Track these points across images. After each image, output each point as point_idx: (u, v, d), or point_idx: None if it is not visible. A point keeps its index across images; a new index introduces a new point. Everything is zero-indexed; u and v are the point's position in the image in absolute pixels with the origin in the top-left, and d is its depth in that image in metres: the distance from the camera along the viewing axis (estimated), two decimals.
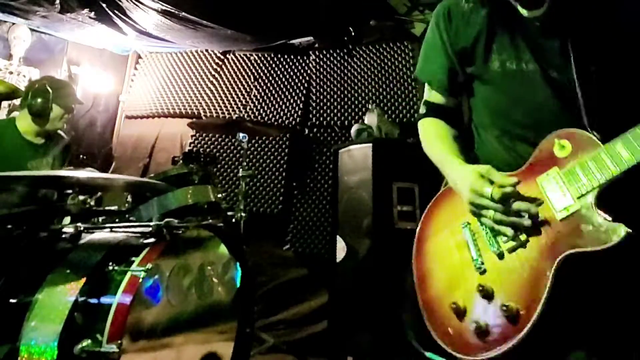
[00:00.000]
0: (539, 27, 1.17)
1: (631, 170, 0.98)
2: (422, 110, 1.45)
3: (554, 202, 1.07)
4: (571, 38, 1.14)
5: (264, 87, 4.56)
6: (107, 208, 2.48)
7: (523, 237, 1.09)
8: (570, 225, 1.03)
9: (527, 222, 1.07)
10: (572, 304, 1.05)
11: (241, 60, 4.72)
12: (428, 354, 1.24)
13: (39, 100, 2.66)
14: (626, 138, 0.99)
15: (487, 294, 1.10)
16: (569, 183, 1.06)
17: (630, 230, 0.94)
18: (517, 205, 1.09)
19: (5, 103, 3.70)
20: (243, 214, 2.94)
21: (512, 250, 1.11)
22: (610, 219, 0.98)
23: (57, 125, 2.77)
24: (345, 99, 4.23)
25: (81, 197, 1.95)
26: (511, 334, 1.02)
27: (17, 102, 3.75)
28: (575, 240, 1.01)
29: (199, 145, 4.57)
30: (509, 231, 1.09)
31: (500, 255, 1.12)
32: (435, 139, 1.36)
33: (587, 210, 1.02)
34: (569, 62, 1.13)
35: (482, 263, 1.15)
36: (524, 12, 1.16)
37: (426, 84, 1.44)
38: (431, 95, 1.43)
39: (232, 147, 4.48)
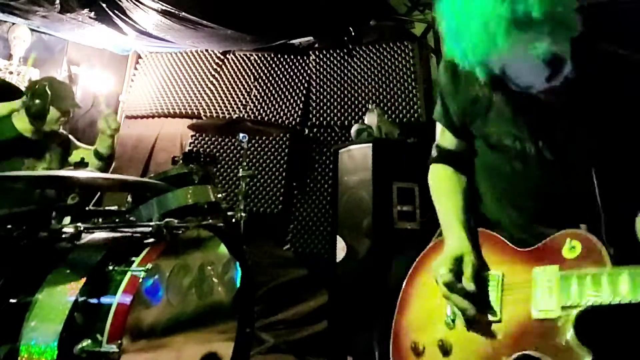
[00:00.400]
0: (547, 103, 1.09)
1: (623, 305, 0.93)
2: (434, 153, 1.46)
3: (537, 299, 1.06)
4: (585, 124, 1.07)
5: (264, 87, 4.56)
6: (107, 208, 2.48)
7: (493, 318, 1.11)
8: (541, 329, 1.02)
9: (468, 313, 1.10)
10: None
11: (241, 60, 4.71)
12: None
13: (37, 101, 2.66)
14: (633, 271, 0.93)
15: (445, 350, 1.15)
16: (559, 288, 1.03)
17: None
18: (453, 298, 1.12)
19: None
20: (243, 214, 2.94)
21: (483, 324, 1.12)
22: (578, 343, 0.96)
23: (53, 127, 2.77)
24: (345, 99, 4.23)
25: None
26: None
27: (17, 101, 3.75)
28: (540, 344, 1.00)
29: (199, 145, 4.57)
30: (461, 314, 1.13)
31: (469, 322, 1.14)
32: (442, 192, 1.38)
33: (563, 324, 0.99)
34: (578, 148, 1.10)
35: (453, 321, 1.18)
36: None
37: (439, 125, 1.44)
38: (443, 137, 1.43)
39: (232, 147, 4.48)
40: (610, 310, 0.95)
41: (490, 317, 1.12)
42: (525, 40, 0.92)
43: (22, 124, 2.71)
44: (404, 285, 1.37)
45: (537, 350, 1.00)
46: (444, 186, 1.39)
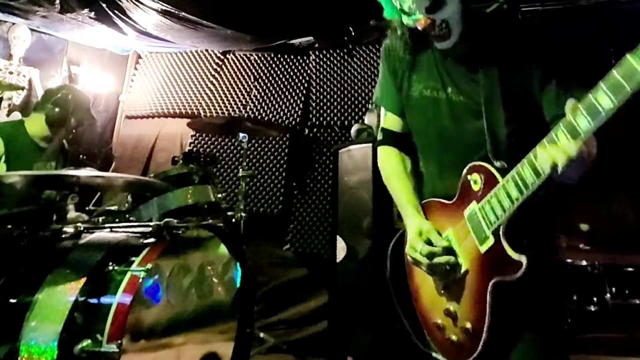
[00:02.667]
0: (450, 58, 1.34)
1: (528, 203, 1.10)
2: (380, 136, 1.57)
3: (477, 236, 1.22)
4: (479, 66, 1.28)
5: (264, 87, 4.56)
6: (107, 208, 2.48)
7: (462, 269, 1.25)
8: (491, 257, 1.19)
9: (452, 262, 1.25)
10: (511, 313, 1.20)
11: (241, 60, 4.71)
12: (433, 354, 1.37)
13: (58, 110, 2.68)
14: (512, 176, 1.12)
15: (452, 316, 1.28)
16: (483, 218, 1.20)
17: (530, 259, 1.09)
18: (437, 259, 1.26)
19: (5, 103, 3.70)
20: (243, 214, 2.94)
21: (455, 281, 1.27)
22: (514, 254, 1.12)
23: (67, 135, 2.80)
24: (345, 99, 4.23)
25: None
26: (474, 347, 1.20)
27: (17, 102, 3.76)
28: (497, 271, 1.16)
29: (199, 145, 4.56)
30: (440, 282, 1.30)
31: (453, 285, 1.29)
32: (392, 175, 1.50)
33: (499, 243, 1.16)
34: (476, 88, 1.28)
35: (444, 291, 1.32)
36: (435, 44, 1.31)
37: (382, 110, 1.58)
38: (386, 120, 1.56)
39: (232, 147, 4.48)
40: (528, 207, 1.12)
41: (460, 270, 1.26)
42: None
43: (35, 129, 2.72)
44: (408, 275, 1.47)
45: (497, 277, 1.16)
46: (393, 169, 1.50)
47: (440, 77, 1.36)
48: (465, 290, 1.25)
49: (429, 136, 1.41)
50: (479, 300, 1.20)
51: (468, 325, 1.22)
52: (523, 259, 1.10)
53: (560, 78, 1.22)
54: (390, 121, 1.54)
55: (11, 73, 3.92)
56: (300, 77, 4.47)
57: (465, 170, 1.27)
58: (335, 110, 4.23)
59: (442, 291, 1.32)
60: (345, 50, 4.31)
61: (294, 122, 4.35)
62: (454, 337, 1.27)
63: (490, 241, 1.18)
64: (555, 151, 1.00)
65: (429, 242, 1.29)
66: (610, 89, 0.92)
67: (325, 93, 4.32)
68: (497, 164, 1.21)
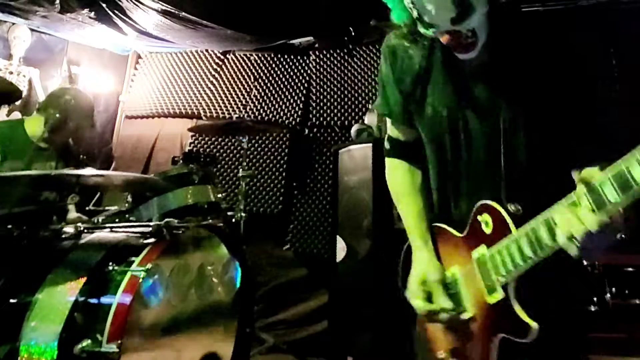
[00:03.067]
0: (470, 71, 1.17)
1: (544, 263, 0.99)
2: (387, 145, 1.46)
3: (485, 284, 1.12)
4: (501, 86, 1.13)
5: (264, 87, 4.55)
6: (107, 208, 2.48)
7: (467, 315, 1.16)
8: (499, 312, 1.08)
9: (451, 318, 1.17)
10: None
11: (241, 60, 4.71)
12: None
13: (59, 116, 2.67)
14: (527, 233, 1.00)
15: (459, 355, 1.20)
16: (493, 269, 1.09)
17: (540, 326, 0.98)
18: (436, 317, 1.18)
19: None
20: (243, 214, 2.94)
21: (461, 324, 1.18)
22: (524, 316, 1.01)
23: (64, 138, 2.79)
24: (345, 99, 4.23)
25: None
26: None
27: (17, 102, 3.76)
28: (504, 327, 1.06)
29: (198, 145, 4.56)
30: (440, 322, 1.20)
31: (457, 326, 1.19)
32: (401, 194, 1.39)
33: (507, 300, 1.05)
34: (496, 111, 1.14)
35: (449, 333, 1.23)
36: (458, 55, 1.15)
37: (387, 118, 1.46)
38: (392, 128, 1.44)
39: (232, 147, 4.48)
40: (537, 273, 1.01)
41: (464, 316, 1.17)
42: None
43: (33, 130, 2.71)
44: None
45: (505, 334, 1.06)
46: (402, 187, 1.39)
47: (457, 95, 1.20)
48: (471, 337, 1.16)
49: (443, 158, 1.27)
50: (484, 352, 1.11)
51: None
52: (535, 325, 1.00)
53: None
54: (395, 130, 1.42)
55: (11, 73, 3.92)
56: (300, 77, 4.47)
57: (475, 208, 1.15)
58: (335, 110, 4.23)
59: (448, 330, 1.23)
60: (345, 50, 4.31)
61: (294, 122, 4.35)
62: None
63: (499, 295, 1.07)
64: (574, 223, 0.87)
65: (429, 297, 1.20)
66: None
67: (325, 93, 4.32)
68: (512, 207, 1.08)
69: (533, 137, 1.12)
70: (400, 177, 1.40)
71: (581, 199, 0.88)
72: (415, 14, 1.07)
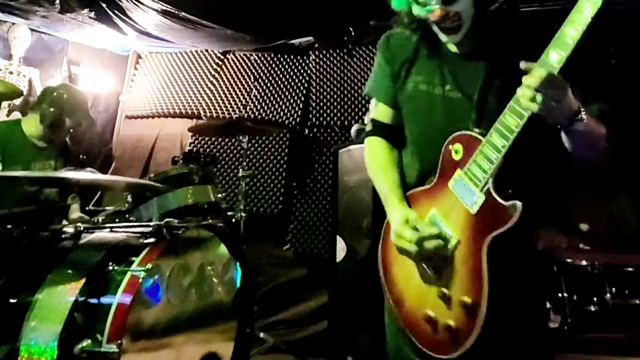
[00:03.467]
0: (456, 54, 1.33)
1: (511, 154, 1.12)
2: (369, 127, 1.54)
3: (466, 201, 1.21)
4: (484, 64, 1.28)
5: (264, 87, 4.56)
6: (107, 208, 2.48)
7: (453, 241, 1.22)
8: (483, 215, 1.17)
9: (441, 245, 1.22)
10: (510, 279, 1.20)
11: (241, 60, 4.71)
12: None
13: (52, 110, 2.65)
14: (496, 127, 1.14)
15: (446, 297, 1.22)
16: (470, 180, 1.20)
17: (521, 204, 1.09)
18: (427, 244, 1.22)
19: (5, 103, 3.70)
20: (243, 214, 2.94)
21: (446, 261, 1.23)
22: (506, 203, 1.12)
23: (63, 136, 2.78)
24: (345, 99, 4.23)
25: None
26: (473, 324, 1.15)
27: (17, 102, 3.76)
28: (490, 226, 1.14)
29: (198, 145, 4.56)
30: (430, 266, 1.26)
31: (446, 264, 1.24)
32: (379, 168, 1.47)
33: (490, 199, 1.15)
34: (477, 84, 1.28)
35: (435, 274, 1.26)
36: (442, 37, 1.30)
37: (373, 101, 1.55)
38: (377, 111, 1.53)
39: (232, 147, 4.48)
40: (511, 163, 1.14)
41: (450, 244, 1.23)
42: None
43: (31, 129, 2.71)
44: (384, 285, 1.46)
45: (492, 232, 1.14)
46: (380, 162, 1.47)
47: (440, 73, 1.35)
48: (458, 264, 1.21)
49: (419, 130, 1.41)
50: (475, 268, 1.16)
51: (466, 299, 1.17)
52: (517, 204, 1.09)
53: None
54: (381, 112, 1.51)
55: (11, 73, 3.93)
56: (300, 77, 4.47)
57: (445, 144, 1.27)
58: (335, 110, 4.23)
59: (432, 276, 1.27)
60: (345, 50, 4.31)
61: (294, 122, 4.35)
62: (450, 322, 1.20)
63: (481, 199, 1.17)
64: (529, 80, 1.04)
65: (416, 230, 1.26)
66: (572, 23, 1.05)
67: (325, 93, 4.32)
68: (477, 130, 1.22)
69: (503, 98, 1.23)
70: (379, 152, 1.49)
71: (533, 70, 1.06)
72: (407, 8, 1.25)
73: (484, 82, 1.28)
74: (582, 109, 1.13)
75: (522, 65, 1.07)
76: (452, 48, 1.33)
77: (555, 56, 1.05)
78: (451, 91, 1.33)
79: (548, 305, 3.12)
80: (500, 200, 1.13)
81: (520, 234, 1.14)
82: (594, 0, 1.02)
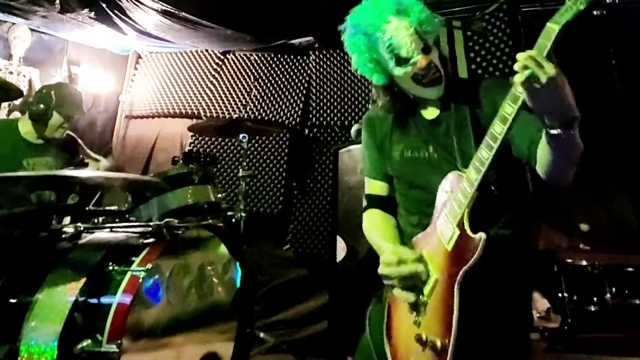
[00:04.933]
0: (431, 120, 1.45)
1: (486, 188, 1.18)
2: (365, 203, 1.62)
3: (445, 238, 1.24)
4: (458, 123, 1.38)
5: (264, 87, 4.56)
6: (107, 208, 2.48)
7: (431, 280, 1.24)
8: (457, 251, 1.19)
9: (417, 279, 1.26)
10: (479, 312, 1.18)
11: (241, 60, 4.71)
12: None
13: (41, 106, 2.66)
14: (472, 162, 1.18)
15: (422, 341, 1.23)
16: (450, 216, 1.23)
17: (486, 235, 1.11)
18: (405, 267, 1.27)
19: (5, 103, 3.70)
20: (243, 214, 2.94)
21: (430, 293, 1.25)
22: (472, 234, 1.14)
23: (55, 132, 2.77)
24: (345, 99, 4.23)
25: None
26: None
27: (17, 102, 3.76)
28: (462, 261, 1.15)
29: (198, 145, 4.56)
30: (412, 295, 1.28)
31: (425, 304, 1.26)
32: (373, 228, 1.54)
33: (462, 232, 1.18)
34: (451, 139, 1.37)
35: (417, 316, 1.28)
36: (426, 94, 1.41)
37: (366, 179, 1.63)
38: (370, 187, 1.61)
39: (232, 147, 4.48)
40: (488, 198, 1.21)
41: (429, 284, 1.25)
42: (405, 17, 1.35)
43: (26, 128, 2.71)
44: (386, 325, 1.45)
45: (462, 267, 1.15)
46: (375, 223, 1.55)
47: (421, 138, 1.45)
48: (434, 304, 1.22)
49: (412, 191, 1.48)
50: (447, 307, 1.16)
51: (437, 342, 1.17)
52: (482, 235, 1.11)
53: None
54: (374, 187, 1.59)
55: (11, 73, 3.93)
56: (300, 77, 4.47)
57: (439, 189, 1.32)
58: (335, 110, 4.23)
59: (414, 322, 1.28)
60: (345, 50, 4.30)
61: (294, 122, 4.35)
62: None
63: (456, 234, 1.19)
64: (520, 56, 1.07)
65: (401, 261, 1.30)
66: (537, 50, 1.07)
67: (325, 93, 4.32)
68: (466, 170, 1.25)
69: (477, 135, 1.33)
70: (376, 219, 1.56)
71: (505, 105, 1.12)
72: (393, 58, 1.37)
73: (459, 116, 1.38)
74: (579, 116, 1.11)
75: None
76: (428, 116, 1.46)
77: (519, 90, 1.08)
78: (435, 152, 1.42)
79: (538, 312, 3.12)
80: (469, 233, 1.16)
81: (493, 265, 1.15)
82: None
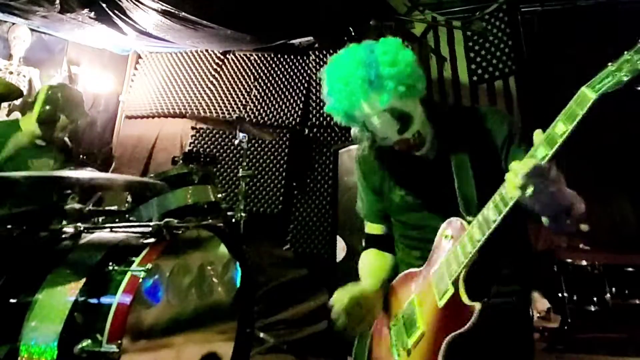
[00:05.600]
0: (426, 163, 1.39)
1: (488, 249, 1.10)
2: (364, 243, 1.62)
3: (437, 291, 1.19)
4: (454, 160, 1.33)
5: (264, 87, 4.56)
6: (107, 208, 2.48)
7: (417, 333, 1.21)
8: (447, 310, 1.14)
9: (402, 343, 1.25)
10: None
11: (241, 60, 4.71)
12: None
13: (48, 108, 2.67)
14: (477, 219, 1.12)
15: None
16: (447, 269, 1.18)
17: (482, 304, 1.07)
18: (339, 321, 1.27)
19: (5, 103, 3.70)
20: (243, 214, 2.94)
21: (414, 344, 1.22)
22: (467, 300, 1.09)
23: (59, 134, 2.79)
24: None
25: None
26: None
27: (17, 102, 3.76)
28: (451, 325, 1.10)
29: (199, 145, 4.56)
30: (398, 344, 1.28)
31: (408, 352, 1.24)
32: (364, 266, 1.54)
33: (456, 293, 1.12)
34: (451, 181, 1.30)
35: (398, 356, 1.28)
36: (414, 153, 1.35)
37: (364, 220, 1.62)
38: (368, 227, 1.61)
39: (232, 147, 4.48)
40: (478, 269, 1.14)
41: (414, 336, 1.22)
42: (376, 97, 1.22)
43: (29, 128, 2.72)
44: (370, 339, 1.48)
45: (451, 332, 1.10)
46: (368, 261, 1.55)
47: (418, 180, 1.40)
48: (419, 354, 1.19)
49: (413, 230, 1.45)
50: None
51: None
52: (477, 305, 1.06)
53: (522, 137, 1.26)
54: (373, 228, 1.59)
55: (11, 73, 3.92)
56: (300, 77, 4.47)
57: (440, 230, 1.28)
58: None
59: (398, 357, 1.27)
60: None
61: (294, 122, 4.35)
62: None
63: (450, 292, 1.14)
64: (517, 169, 0.99)
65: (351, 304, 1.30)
66: (565, 118, 0.97)
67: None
68: (469, 218, 1.20)
69: (479, 176, 1.29)
70: (371, 255, 1.56)
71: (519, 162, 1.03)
72: (370, 134, 1.34)
73: (459, 162, 1.31)
74: (574, 205, 1.08)
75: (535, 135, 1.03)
76: (423, 155, 1.39)
77: (542, 152, 0.99)
78: (436, 194, 1.36)
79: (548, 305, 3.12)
80: (464, 298, 1.11)
81: (488, 334, 1.11)
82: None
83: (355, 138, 1.54)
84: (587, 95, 0.94)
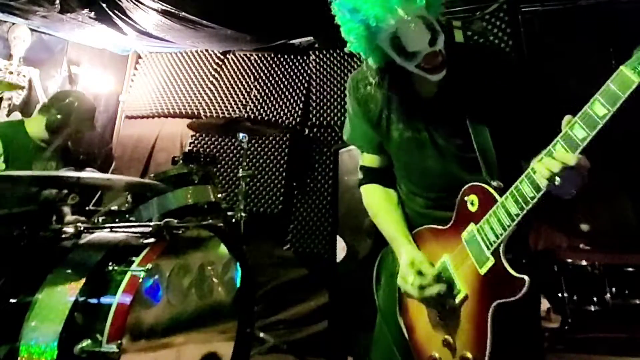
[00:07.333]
0: (431, 99, 1.34)
1: (526, 220, 1.11)
2: (360, 175, 1.56)
3: (476, 258, 1.21)
4: (464, 107, 1.29)
5: (264, 87, 4.55)
6: (107, 208, 2.48)
7: (461, 295, 1.23)
8: (492, 279, 1.17)
9: (446, 304, 1.25)
10: (511, 335, 1.18)
11: (241, 60, 4.71)
12: None
13: (60, 117, 2.70)
14: (512, 193, 1.14)
15: (450, 346, 1.25)
16: (482, 238, 1.20)
17: (530, 280, 1.09)
18: (428, 291, 1.25)
19: (5, 103, 3.70)
20: (243, 214, 2.94)
21: (452, 310, 1.25)
22: (515, 274, 1.12)
23: (64, 141, 2.81)
24: (345, 99, 4.22)
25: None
26: None
27: (17, 102, 3.76)
28: (498, 292, 1.14)
29: (199, 145, 4.56)
30: (437, 313, 1.28)
31: (453, 309, 1.26)
32: (380, 211, 1.49)
33: (500, 263, 1.15)
34: (460, 128, 1.28)
35: (441, 316, 1.29)
36: (427, 77, 1.25)
37: (358, 149, 1.57)
38: (364, 158, 1.56)
39: (232, 147, 4.48)
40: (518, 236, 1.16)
41: (458, 297, 1.24)
42: (413, 6, 1.17)
43: (35, 130, 2.73)
44: (399, 312, 1.46)
45: (498, 299, 1.14)
46: (379, 205, 1.49)
47: (422, 119, 1.36)
48: (464, 318, 1.22)
49: (412, 174, 1.43)
50: (479, 327, 1.17)
51: (468, 354, 1.19)
52: (526, 278, 1.09)
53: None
54: (369, 159, 1.54)
55: (11, 73, 3.92)
56: (300, 77, 4.47)
57: (461, 192, 1.27)
58: (335, 110, 4.23)
59: (439, 321, 1.29)
60: (345, 50, 4.30)
61: (294, 122, 4.35)
62: None
63: (490, 262, 1.17)
64: (552, 163, 1.02)
65: (420, 273, 1.28)
66: (606, 99, 0.96)
67: (325, 93, 4.31)
68: (494, 183, 1.22)
69: (496, 132, 1.28)
70: (377, 196, 1.51)
71: (555, 146, 1.05)
72: (396, 49, 1.21)
73: (476, 117, 1.28)
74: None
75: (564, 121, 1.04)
76: (424, 93, 1.34)
77: (583, 134, 1.00)
78: (439, 138, 1.34)
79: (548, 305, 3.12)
80: (510, 270, 1.13)
81: (527, 303, 1.14)
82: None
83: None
84: (630, 78, 0.93)
